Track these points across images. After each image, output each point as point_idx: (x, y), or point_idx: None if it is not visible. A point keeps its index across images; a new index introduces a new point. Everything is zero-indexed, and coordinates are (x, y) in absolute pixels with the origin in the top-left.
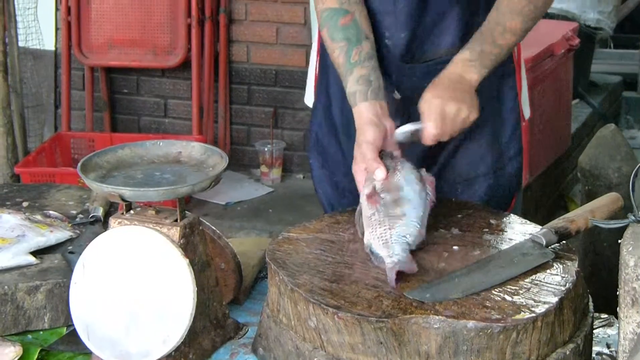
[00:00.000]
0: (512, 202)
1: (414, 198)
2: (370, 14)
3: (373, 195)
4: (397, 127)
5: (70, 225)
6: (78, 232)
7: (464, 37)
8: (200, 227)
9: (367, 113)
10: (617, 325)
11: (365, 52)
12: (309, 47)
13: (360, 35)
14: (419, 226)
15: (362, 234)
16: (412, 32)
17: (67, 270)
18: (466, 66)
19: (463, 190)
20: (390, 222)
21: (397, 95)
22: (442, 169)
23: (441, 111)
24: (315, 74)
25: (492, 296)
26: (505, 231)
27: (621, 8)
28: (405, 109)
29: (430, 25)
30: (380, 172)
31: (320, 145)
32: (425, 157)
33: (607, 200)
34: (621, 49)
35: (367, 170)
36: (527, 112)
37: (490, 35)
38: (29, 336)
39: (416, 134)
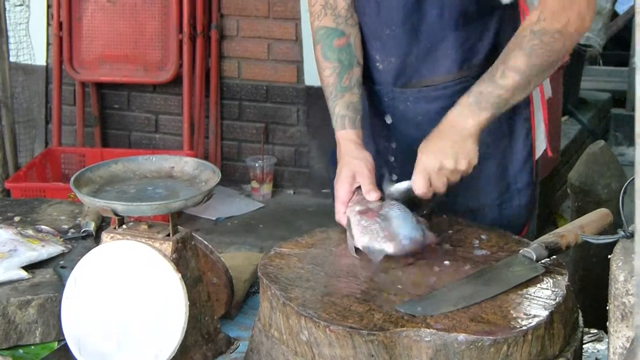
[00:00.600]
0: (522, 234)
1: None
2: (366, 33)
3: (367, 211)
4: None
5: (62, 240)
6: (70, 246)
7: (464, 64)
8: (193, 242)
9: (357, 139)
10: (607, 340)
11: (356, 79)
12: (300, 63)
13: (352, 60)
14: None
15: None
16: (402, 58)
17: (59, 284)
18: (463, 111)
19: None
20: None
21: (388, 120)
22: (447, 200)
23: (425, 167)
24: None
25: (483, 310)
26: (496, 247)
27: (610, 25)
28: (395, 134)
29: (423, 52)
30: (374, 194)
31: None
32: None
33: (597, 216)
34: (610, 66)
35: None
36: (541, 146)
37: (491, 75)
38: (20, 350)
39: (406, 192)
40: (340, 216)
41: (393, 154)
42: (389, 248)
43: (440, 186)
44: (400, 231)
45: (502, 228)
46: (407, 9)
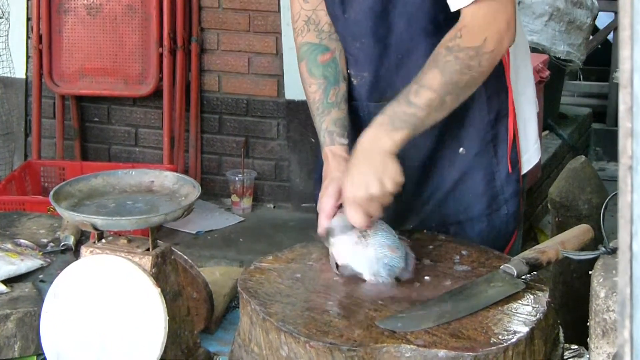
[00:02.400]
0: (510, 244)
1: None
2: (341, 49)
3: (351, 228)
4: None
5: (41, 253)
6: (49, 260)
7: None
8: (172, 257)
9: (345, 155)
10: (588, 356)
11: (342, 94)
12: (280, 77)
13: (338, 76)
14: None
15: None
16: (374, 72)
17: (38, 299)
18: (377, 132)
19: (454, 233)
20: (377, 250)
21: None
22: (433, 210)
23: (354, 201)
24: None
25: (463, 326)
26: (477, 262)
27: (591, 41)
28: None
29: (395, 65)
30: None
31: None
32: (415, 197)
33: (578, 232)
34: (590, 81)
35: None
36: (533, 157)
37: (405, 95)
38: None
39: (347, 225)
40: (323, 230)
41: None
42: (366, 275)
43: (376, 212)
44: (379, 259)
45: (491, 237)
46: (373, 21)
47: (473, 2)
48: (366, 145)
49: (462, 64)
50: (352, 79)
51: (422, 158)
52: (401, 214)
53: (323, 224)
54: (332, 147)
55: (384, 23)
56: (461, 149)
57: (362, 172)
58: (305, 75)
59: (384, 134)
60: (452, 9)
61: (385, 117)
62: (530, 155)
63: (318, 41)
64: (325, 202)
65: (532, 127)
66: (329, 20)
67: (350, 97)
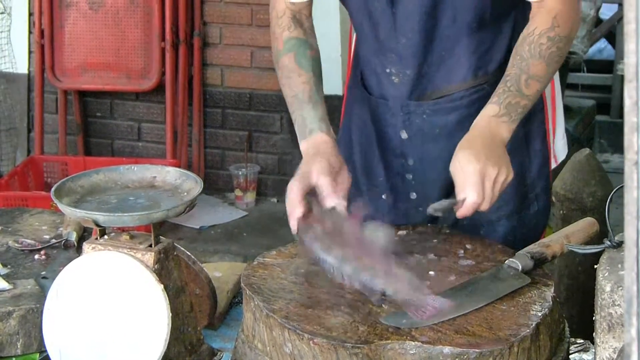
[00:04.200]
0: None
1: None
2: (376, 48)
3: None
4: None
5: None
6: (12, 284)
7: (478, 71)
8: (175, 253)
9: (333, 142)
10: (593, 350)
11: (322, 94)
12: None
13: (321, 75)
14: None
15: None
16: (418, 68)
17: (40, 295)
18: (495, 123)
19: (486, 232)
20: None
21: (403, 135)
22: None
23: (481, 177)
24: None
25: (468, 322)
26: (481, 256)
27: (594, 32)
28: (412, 150)
29: (437, 61)
30: (334, 200)
31: None
32: (446, 197)
33: (583, 225)
34: (594, 73)
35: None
36: (561, 152)
37: (516, 86)
38: None
39: (451, 207)
40: (294, 224)
41: (410, 170)
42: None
43: (492, 196)
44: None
45: (521, 235)
46: (422, 15)
47: None
48: (487, 130)
49: (561, 54)
50: (394, 77)
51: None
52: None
53: (293, 220)
54: (323, 134)
55: (431, 18)
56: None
57: (491, 156)
58: (294, 66)
59: (503, 127)
60: None
61: (500, 108)
62: (559, 149)
63: (305, 37)
64: (293, 197)
65: (560, 122)
66: (310, 26)
67: (388, 96)
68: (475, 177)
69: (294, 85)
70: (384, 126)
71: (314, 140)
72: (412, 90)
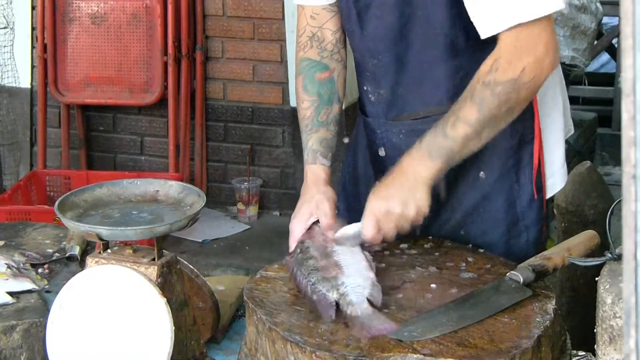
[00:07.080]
0: None
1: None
2: (357, 65)
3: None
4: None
5: (39, 276)
6: (41, 285)
7: (455, 96)
8: (178, 266)
9: (325, 176)
10: None
11: (333, 115)
12: (285, 84)
13: (332, 96)
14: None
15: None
16: (391, 89)
17: (44, 309)
18: (415, 159)
19: None
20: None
21: (381, 152)
22: (450, 233)
23: (372, 211)
24: None
25: (470, 334)
26: (483, 269)
27: (595, 45)
28: (389, 166)
29: (412, 83)
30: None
31: (346, 191)
32: (433, 220)
33: (584, 238)
34: (596, 86)
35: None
36: (557, 184)
37: (442, 126)
38: None
39: (358, 236)
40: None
41: None
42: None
43: (389, 231)
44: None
45: None
46: (391, 39)
47: (507, 29)
48: (404, 168)
49: (499, 99)
50: (370, 96)
51: (441, 180)
52: (419, 235)
53: (292, 246)
54: (312, 166)
55: (402, 41)
56: (481, 174)
57: (390, 189)
58: (300, 91)
59: (422, 163)
60: (483, 36)
61: (422, 146)
62: (556, 180)
63: (319, 58)
64: (296, 225)
65: (559, 151)
66: (334, 40)
67: (368, 113)
68: (372, 212)
69: (299, 110)
70: (370, 142)
71: (308, 170)
72: (387, 109)
